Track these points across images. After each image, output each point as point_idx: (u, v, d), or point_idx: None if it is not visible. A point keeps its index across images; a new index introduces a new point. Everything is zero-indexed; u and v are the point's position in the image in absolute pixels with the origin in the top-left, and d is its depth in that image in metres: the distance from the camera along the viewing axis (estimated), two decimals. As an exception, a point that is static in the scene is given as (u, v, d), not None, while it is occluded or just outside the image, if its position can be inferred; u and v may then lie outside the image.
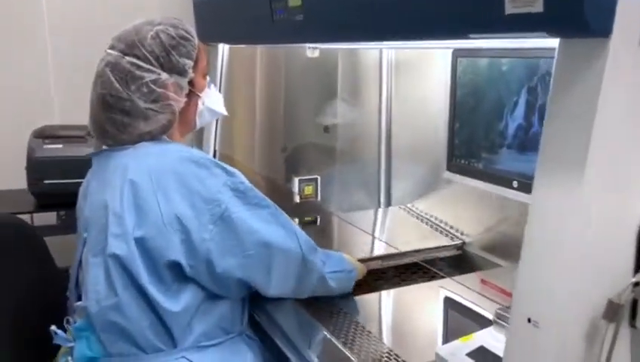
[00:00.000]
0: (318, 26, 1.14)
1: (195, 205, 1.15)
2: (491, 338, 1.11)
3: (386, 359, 1.17)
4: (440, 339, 1.34)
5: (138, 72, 1.23)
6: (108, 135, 1.27)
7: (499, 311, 1.15)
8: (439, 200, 1.95)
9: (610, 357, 0.65)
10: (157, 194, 1.15)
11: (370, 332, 1.28)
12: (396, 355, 1.18)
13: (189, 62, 1.29)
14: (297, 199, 2.03)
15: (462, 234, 1.86)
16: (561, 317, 0.66)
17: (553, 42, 1.04)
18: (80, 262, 1.30)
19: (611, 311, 0.65)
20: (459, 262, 1.81)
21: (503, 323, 1.13)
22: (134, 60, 1.24)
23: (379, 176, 2.20)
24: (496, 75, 1.63)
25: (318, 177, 2.05)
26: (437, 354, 1.10)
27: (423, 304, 1.52)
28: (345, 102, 2.13)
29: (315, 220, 2.11)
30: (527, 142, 1.54)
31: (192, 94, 1.33)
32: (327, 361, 1.16)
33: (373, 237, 1.96)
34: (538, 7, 0.63)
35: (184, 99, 1.30)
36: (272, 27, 1.33)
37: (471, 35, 0.78)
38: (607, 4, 0.59)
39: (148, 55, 1.24)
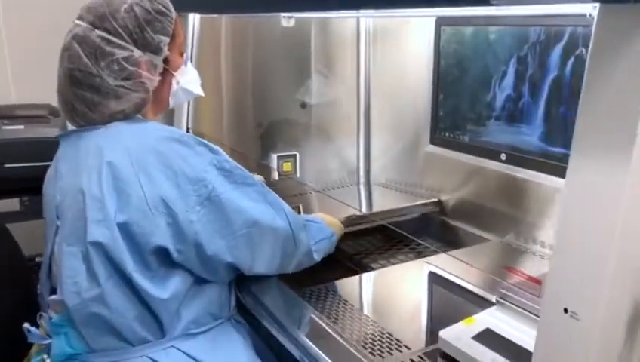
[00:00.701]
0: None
1: (181, 186, 1.08)
2: (496, 320, 1.08)
3: (387, 338, 1.12)
4: (424, 316, 1.32)
5: (108, 48, 1.13)
6: (77, 113, 1.18)
7: (502, 291, 1.11)
8: (420, 173, 1.91)
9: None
10: (139, 175, 1.07)
11: (356, 310, 1.24)
12: (389, 334, 1.14)
13: (165, 39, 1.19)
14: (276, 176, 1.96)
15: (441, 204, 1.83)
16: (603, 307, 0.61)
17: (550, 9, 0.98)
18: (52, 252, 1.20)
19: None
20: (443, 236, 1.78)
21: (507, 303, 1.09)
22: (104, 35, 1.14)
23: (357, 151, 2.13)
24: (483, 45, 1.57)
25: (297, 153, 1.97)
26: (441, 338, 1.06)
27: (410, 283, 1.47)
28: (322, 75, 2.05)
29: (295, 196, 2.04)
30: (517, 114, 1.50)
31: (167, 73, 1.24)
32: (317, 340, 1.12)
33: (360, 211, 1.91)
34: (584, -31, 0.56)
35: (158, 78, 1.21)
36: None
37: (494, 1, 0.72)
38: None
39: (120, 30, 1.14)
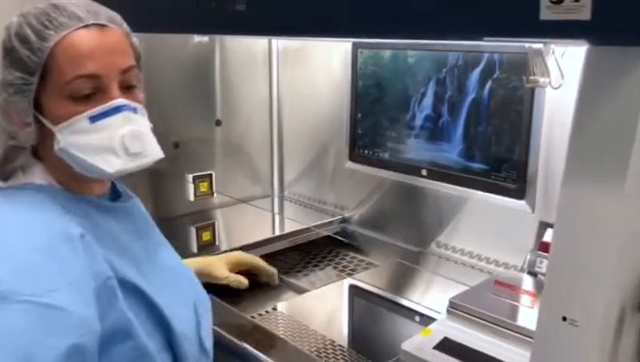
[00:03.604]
0: (272, 17, 1.05)
1: None
2: (450, 329, 1.15)
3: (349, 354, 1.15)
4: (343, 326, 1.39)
5: None
6: None
7: (453, 301, 1.18)
8: (337, 189, 1.96)
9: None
10: None
11: (311, 330, 1.25)
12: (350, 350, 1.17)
13: (22, 76, 0.85)
14: (192, 197, 1.90)
15: (346, 214, 1.92)
16: (600, 312, 0.69)
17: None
18: None
19: (645, 303, 0.70)
20: (365, 250, 1.84)
21: (459, 312, 1.17)
22: None
23: (272, 169, 2.15)
24: (402, 67, 1.66)
25: (213, 173, 1.93)
26: (403, 351, 1.10)
27: (341, 299, 1.53)
28: (236, 92, 2.04)
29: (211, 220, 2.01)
30: (437, 132, 1.60)
31: (42, 124, 0.87)
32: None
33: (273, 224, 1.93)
34: (584, 15, 0.64)
35: (27, 128, 0.88)
36: (197, 15, 1.21)
37: (486, 38, 0.78)
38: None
39: None
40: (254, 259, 1.52)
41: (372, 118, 1.77)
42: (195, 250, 1.76)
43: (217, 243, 1.85)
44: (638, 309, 0.71)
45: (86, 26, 0.86)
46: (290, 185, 2.14)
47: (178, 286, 1.00)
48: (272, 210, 2.10)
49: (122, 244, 0.91)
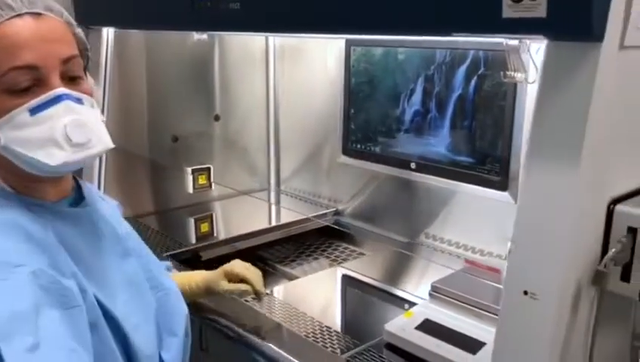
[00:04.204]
0: (264, 15, 1.12)
1: None
2: (432, 311, 1.21)
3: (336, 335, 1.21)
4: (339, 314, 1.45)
5: None
6: None
7: (435, 284, 1.25)
8: (331, 182, 2.03)
9: (598, 316, 0.77)
10: None
11: (300, 313, 1.32)
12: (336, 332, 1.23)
13: None
14: (191, 189, 1.97)
15: (340, 206, 1.99)
16: (558, 287, 0.75)
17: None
18: None
19: (599, 278, 0.76)
20: (358, 240, 1.91)
21: (440, 295, 1.23)
22: None
23: (268, 163, 2.21)
24: (392, 64, 1.73)
25: (211, 166, 2.00)
26: (386, 331, 1.17)
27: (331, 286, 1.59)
28: (234, 88, 2.10)
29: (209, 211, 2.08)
30: (425, 127, 1.66)
31: None
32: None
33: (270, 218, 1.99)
34: (540, 13, 0.70)
35: None
36: (192, 14, 1.27)
37: (455, 34, 0.84)
38: (604, 10, 0.69)
39: None
40: (251, 275, 1.27)
41: (364, 113, 1.83)
42: (193, 240, 1.83)
43: (215, 234, 1.92)
44: (593, 283, 0.77)
45: (19, 15, 0.80)
46: (286, 179, 2.21)
47: (139, 298, 0.94)
48: (269, 202, 2.16)
49: (76, 251, 0.85)
